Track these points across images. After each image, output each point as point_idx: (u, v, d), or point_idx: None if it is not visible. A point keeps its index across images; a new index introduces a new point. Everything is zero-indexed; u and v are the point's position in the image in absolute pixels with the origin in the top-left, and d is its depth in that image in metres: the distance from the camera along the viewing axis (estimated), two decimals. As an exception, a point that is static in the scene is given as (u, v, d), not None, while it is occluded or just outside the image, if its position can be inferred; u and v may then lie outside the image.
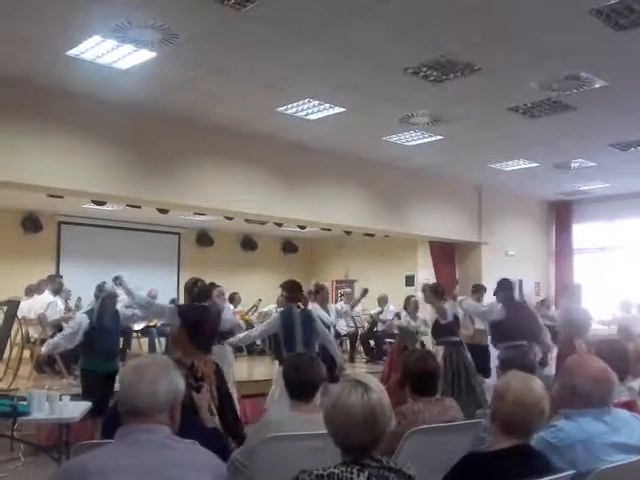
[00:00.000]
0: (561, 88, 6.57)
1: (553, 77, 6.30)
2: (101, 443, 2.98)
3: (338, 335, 10.66)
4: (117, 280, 6.32)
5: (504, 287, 7.38)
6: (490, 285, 9.44)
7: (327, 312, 8.05)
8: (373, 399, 2.07)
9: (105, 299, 6.30)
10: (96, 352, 6.14)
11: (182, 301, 7.20)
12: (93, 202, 9.33)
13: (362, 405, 2.06)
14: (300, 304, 6.44)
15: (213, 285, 7.18)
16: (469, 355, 7.37)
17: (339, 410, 2.08)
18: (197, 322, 5.77)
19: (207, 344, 5.86)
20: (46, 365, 8.61)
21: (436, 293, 7.63)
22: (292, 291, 6.35)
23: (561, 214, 13.12)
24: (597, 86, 6.50)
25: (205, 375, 5.52)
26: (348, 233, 12.58)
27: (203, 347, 5.72)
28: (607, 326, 9.37)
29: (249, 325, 12.48)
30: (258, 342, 13.08)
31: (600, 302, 10.66)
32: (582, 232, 12.87)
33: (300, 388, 3.29)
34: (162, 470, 1.82)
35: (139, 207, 9.40)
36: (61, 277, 10.20)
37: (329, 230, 11.91)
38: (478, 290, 9.24)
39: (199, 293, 5.99)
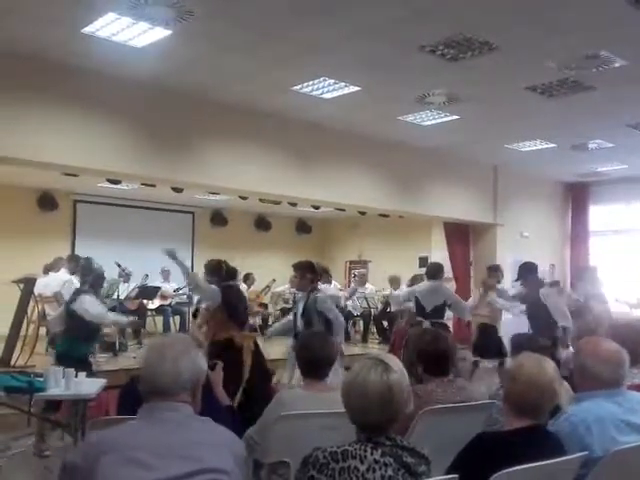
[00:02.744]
0: (580, 67, 6.47)
1: (572, 56, 6.21)
2: (118, 419, 3.02)
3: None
4: (171, 254, 6.06)
5: (530, 271, 7.28)
6: (503, 266, 9.44)
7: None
8: (392, 379, 2.08)
9: (96, 280, 6.16)
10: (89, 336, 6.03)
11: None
12: (108, 181, 9.35)
13: (381, 384, 2.06)
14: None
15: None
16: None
17: (357, 387, 2.08)
18: (236, 300, 6.04)
19: (244, 320, 6.13)
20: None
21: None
22: (314, 272, 6.12)
23: (577, 196, 13.00)
24: (617, 65, 6.39)
25: (245, 347, 5.75)
26: (362, 213, 12.52)
27: (241, 323, 6.01)
28: (634, 308, 9.28)
29: (262, 305, 12.62)
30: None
31: (616, 285, 10.57)
32: (599, 214, 12.76)
33: (313, 366, 3.31)
34: (181, 449, 1.83)
35: (154, 186, 9.42)
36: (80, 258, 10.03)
37: (343, 210, 11.87)
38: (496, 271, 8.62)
39: (228, 272, 6.07)
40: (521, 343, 3.62)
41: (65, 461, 1.87)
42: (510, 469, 2.15)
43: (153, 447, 1.81)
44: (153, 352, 2.01)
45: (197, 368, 2.01)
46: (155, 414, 1.91)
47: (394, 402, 2.06)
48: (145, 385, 1.96)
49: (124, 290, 9.59)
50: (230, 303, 5.89)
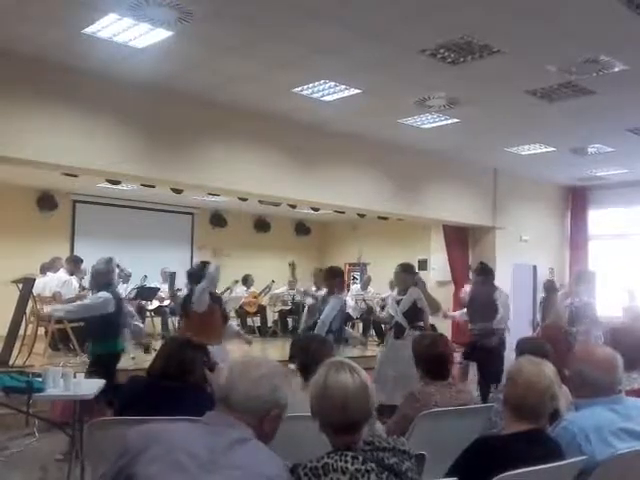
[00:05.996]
0: (580, 72, 6.48)
1: (572, 60, 6.22)
2: (115, 420, 3.02)
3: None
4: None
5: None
6: (502, 270, 9.46)
7: None
8: (362, 378, 2.08)
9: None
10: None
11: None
12: (108, 181, 9.34)
13: (345, 386, 2.05)
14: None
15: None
16: None
17: (326, 390, 2.07)
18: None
19: None
20: (61, 342, 8.70)
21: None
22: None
23: (577, 200, 13.00)
24: (616, 70, 6.40)
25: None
26: (362, 216, 12.53)
27: None
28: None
29: (261, 307, 12.60)
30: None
31: (615, 290, 10.56)
32: (598, 218, 12.76)
33: (312, 368, 3.30)
34: (226, 470, 1.81)
35: (153, 187, 9.41)
36: (82, 261, 9.90)
37: (342, 213, 11.86)
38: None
39: None
40: (526, 347, 3.62)
41: (125, 439, 1.88)
42: (510, 472, 2.15)
43: (201, 459, 1.80)
44: (240, 366, 2.01)
45: (275, 399, 1.97)
46: (217, 423, 1.92)
47: (364, 401, 2.05)
48: (220, 392, 1.98)
49: (123, 291, 9.58)
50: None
